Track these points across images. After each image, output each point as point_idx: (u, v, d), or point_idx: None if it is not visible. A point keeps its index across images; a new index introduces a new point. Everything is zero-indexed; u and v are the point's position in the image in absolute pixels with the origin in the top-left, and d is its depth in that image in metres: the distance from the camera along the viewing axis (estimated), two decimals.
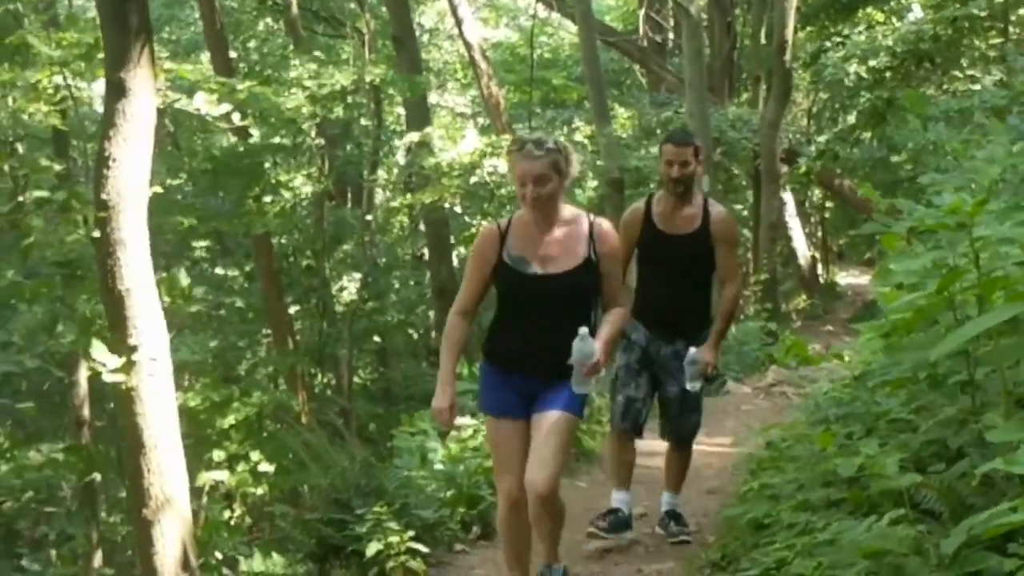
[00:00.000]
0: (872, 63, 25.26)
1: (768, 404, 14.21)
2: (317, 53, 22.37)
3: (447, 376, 6.19)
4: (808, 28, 25.78)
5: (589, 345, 5.77)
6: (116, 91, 8.33)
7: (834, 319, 23.24)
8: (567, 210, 6.24)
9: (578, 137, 24.09)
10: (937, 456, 6.39)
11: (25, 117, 14.18)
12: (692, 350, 7.74)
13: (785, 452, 9.25)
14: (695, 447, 11.68)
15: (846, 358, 11.25)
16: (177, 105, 14.07)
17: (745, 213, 24.28)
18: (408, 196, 21.86)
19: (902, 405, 7.47)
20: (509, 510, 6.19)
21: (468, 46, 23.65)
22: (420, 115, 22.00)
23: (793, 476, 8.13)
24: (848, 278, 26.30)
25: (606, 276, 6.16)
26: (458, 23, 23.55)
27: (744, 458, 10.48)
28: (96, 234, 8.42)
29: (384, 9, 23.78)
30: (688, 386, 7.81)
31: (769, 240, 22.80)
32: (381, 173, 23.85)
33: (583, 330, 5.81)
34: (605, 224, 6.30)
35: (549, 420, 6.06)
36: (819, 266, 27.04)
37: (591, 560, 8.16)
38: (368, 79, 19.75)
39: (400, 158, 22.66)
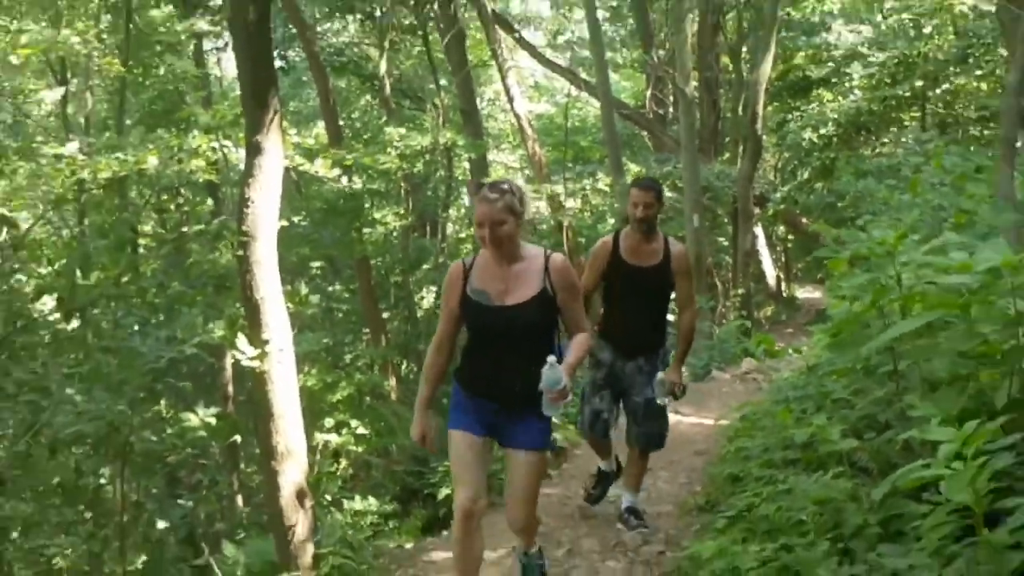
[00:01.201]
0: (822, 131, 25.23)
1: (743, 388, 14.17)
2: (389, 124, 22.66)
3: (420, 407, 5.46)
4: (774, 103, 25.70)
5: (556, 372, 4.96)
6: (254, 150, 8.39)
7: (794, 324, 23.10)
8: (527, 248, 5.35)
9: (600, 185, 24.02)
10: (870, 427, 6.37)
11: (188, 171, 14.25)
12: (660, 374, 7.13)
13: (755, 423, 9.25)
14: (687, 419, 11.75)
15: (802, 352, 11.19)
16: (300, 168, 14.24)
17: (726, 243, 24.19)
18: (471, 229, 21.89)
19: (843, 388, 7.45)
20: (463, 520, 5.26)
21: (517, 117, 23.69)
22: (481, 168, 22.04)
23: (761, 441, 8.13)
24: (804, 293, 26.17)
25: (564, 306, 5.29)
26: (510, 99, 23.59)
27: (724, 428, 10.47)
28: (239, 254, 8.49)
29: (454, 88, 23.85)
30: (659, 401, 7.18)
31: (744, 264, 22.73)
32: (452, 212, 23.87)
33: (551, 358, 5.01)
34: (559, 259, 5.33)
35: (520, 462, 5.35)
36: (783, 284, 26.89)
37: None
38: (442, 141, 19.80)
39: (466, 200, 22.76)
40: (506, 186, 5.20)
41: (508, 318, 5.18)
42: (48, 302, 13.31)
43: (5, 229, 14.81)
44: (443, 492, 8.90)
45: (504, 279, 5.22)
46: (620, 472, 7.85)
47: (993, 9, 16.03)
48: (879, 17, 25.80)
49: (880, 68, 24.28)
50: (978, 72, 23.20)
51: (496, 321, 5.21)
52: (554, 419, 5.48)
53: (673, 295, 7.51)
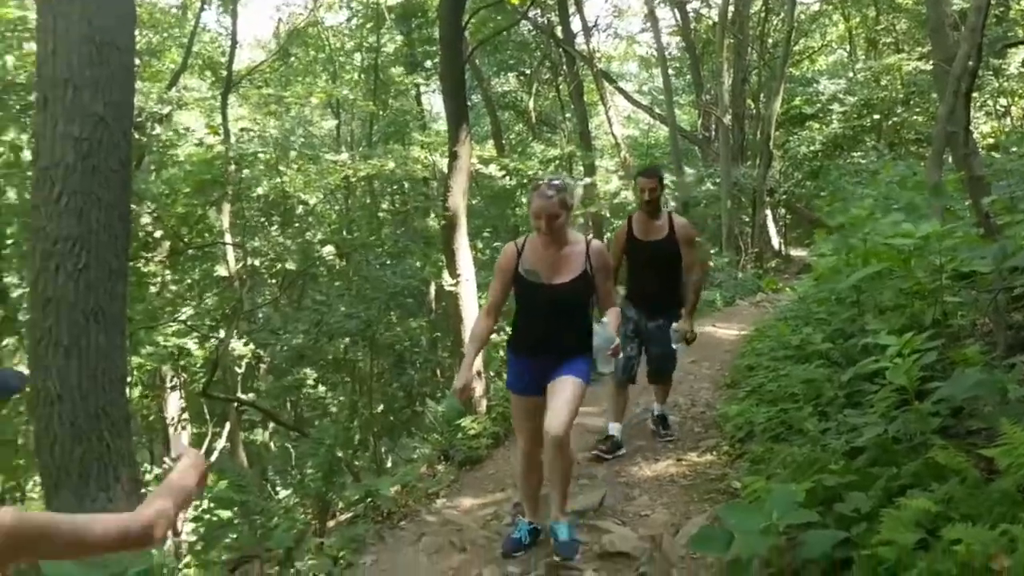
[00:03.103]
0: (812, 148, 24.55)
1: (757, 311, 13.92)
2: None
3: (466, 363, 4.16)
4: (780, 129, 24.96)
5: (609, 332, 3.95)
6: (453, 157, 8.47)
7: (789, 272, 22.50)
8: (571, 234, 4.21)
9: (666, 182, 23.61)
10: (840, 336, 6.27)
11: (411, 170, 14.46)
12: (675, 324, 5.76)
13: (764, 332, 9.13)
14: (720, 330, 11.59)
15: (795, 289, 10.98)
16: (479, 169, 14.33)
17: (747, 219, 23.62)
18: (583, 208, 21.92)
19: (823, 311, 7.33)
20: (524, 457, 4.38)
21: (615, 136, 23.44)
22: (590, 170, 21.89)
23: (768, 344, 8.04)
24: (796, 252, 25.53)
25: (600, 285, 4.16)
26: (610, 125, 23.36)
27: (744, 336, 10.35)
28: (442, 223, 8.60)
29: (575, 118, 23.68)
30: (674, 346, 5.81)
31: (758, 233, 22.33)
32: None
33: (604, 319, 4.07)
34: (598, 245, 4.22)
35: (562, 383, 4.11)
36: (783, 246, 26.22)
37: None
38: (566, 152, 19.74)
39: (579, 189, 22.69)
40: (560, 183, 4.10)
41: (555, 294, 4.12)
42: (328, 249, 13.69)
43: (301, 206, 15.26)
44: None
45: (553, 261, 4.13)
46: (620, 447, 6.02)
47: (930, 67, 15.37)
48: (851, 73, 24.89)
49: (851, 107, 23.50)
50: (916, 109, 22.54)
51: (545, 297, 4.13)
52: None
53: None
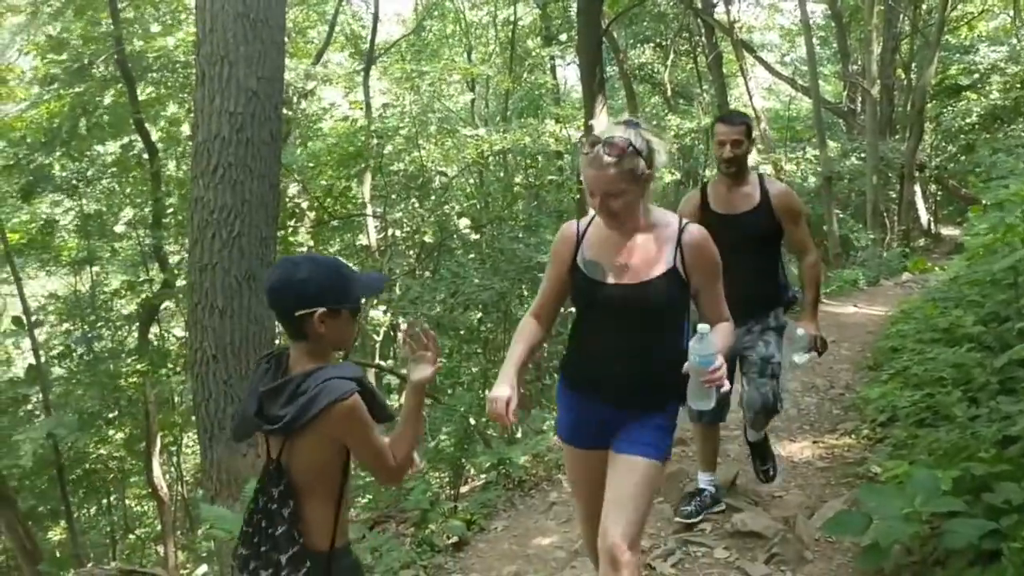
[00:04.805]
0: (968, 120, 23.24)
1: (902, 291, 13.30)
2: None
3: (507, 367, 2.62)
4: (933, 101, 23.65)
5: (708, 346, 2.42)
6: (587, 129, 8.45)
7: (939, 252, 21.41)
8: (655, 213, 2.71)
9: (807, 155, 22.75)
10: (993, 319, 5.96)
11: (544, 144, 14.47)
12: (799, 330, 4.01)
13: (910, 314, 8.74)
14: (863, 311, 11.12)
15: (945, 270, 10.43)
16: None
17: (894, 195, 22.58)
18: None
19: (975, 293, 6.97)
20: (585, 522, 2.98)
21: (755, 109, 22.75)
22: None
23: (914, 326, 7.70)
24: (947, 231, 24.19)
25: (700, 289, 2.67)
26: (750, 97, 22.70)
27: (888, 317, 9.94)
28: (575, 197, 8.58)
29: (713, 90, 23.14)
30: (796, 360, 4.04)
31: (906, 210, 21.39)
32: (709, 172, 23.20)
33: (702, 327, 2.44)
34: (696, 232, 2.68)
35: (626, 469, 2.67)
36: (932, 224, 24.93)
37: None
38: (703, 125, 19.35)
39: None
40: (629, 144, 2.54)
41: (625, 298, 2.66)
42: (464, 221, 13.88)
43: (439, 177, 15.55)
44: None
45: (625, 251, 2.68)
46: (718, 502, 4.42)
47: None
48: (1014, 40, 23.29)
49: (1013, 77, 22.03)
50: None
51: (609, 301, 2.68)
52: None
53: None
